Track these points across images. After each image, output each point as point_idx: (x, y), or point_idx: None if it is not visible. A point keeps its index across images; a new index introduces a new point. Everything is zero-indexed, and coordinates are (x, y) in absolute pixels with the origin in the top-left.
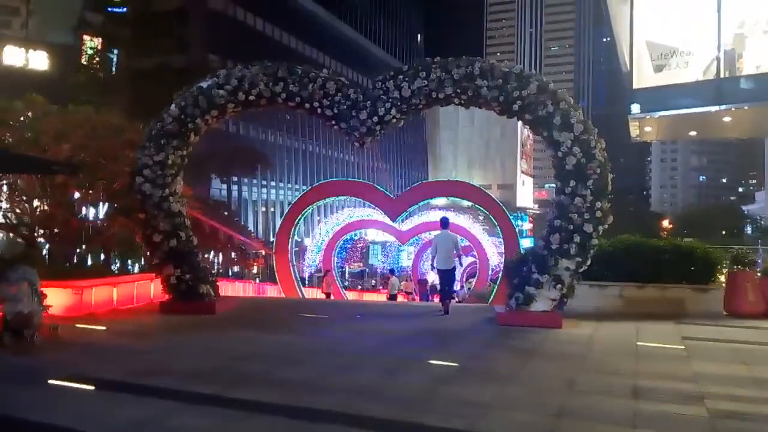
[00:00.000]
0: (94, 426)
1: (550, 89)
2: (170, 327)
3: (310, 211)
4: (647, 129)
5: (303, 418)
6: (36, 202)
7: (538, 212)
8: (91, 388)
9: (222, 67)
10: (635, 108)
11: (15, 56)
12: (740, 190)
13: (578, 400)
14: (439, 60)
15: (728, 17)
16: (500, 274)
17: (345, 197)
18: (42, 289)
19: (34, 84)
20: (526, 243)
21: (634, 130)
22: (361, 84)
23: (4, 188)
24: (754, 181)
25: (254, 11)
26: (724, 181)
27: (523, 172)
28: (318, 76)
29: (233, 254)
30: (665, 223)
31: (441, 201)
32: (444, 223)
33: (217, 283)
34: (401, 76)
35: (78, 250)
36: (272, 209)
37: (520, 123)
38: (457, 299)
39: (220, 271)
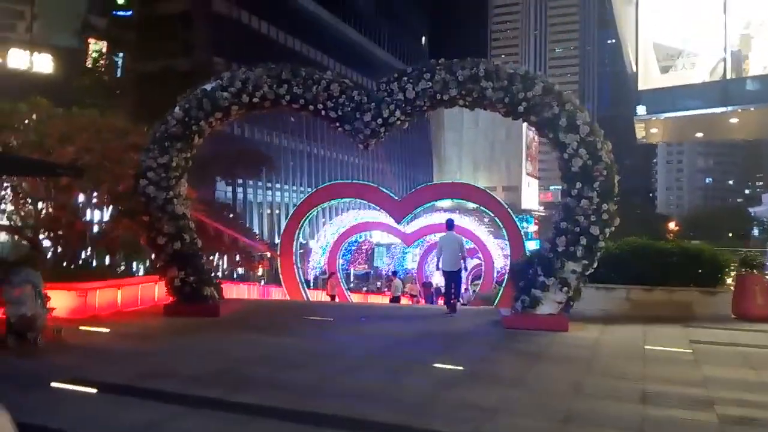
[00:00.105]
0: (97, 430)
1: (556, 90)
2: (174, 329)
3: (314, 213)
4: (653, 130)
5: (307, 423)
6: (40, 205)
7: (543, 214)
8: (94, 391)
9: (227, 70)
10: (641, 109)
11: (19, 59)
12: (747, 192)
13: (585, 404)
14: (443, 61)
15: (734, 18)
16: (506, 277)
17: (350, 199)
18: (46, 291)
19: (39, 87)
20: (532, 245)
21: (640, 132)
22: (365, 86)
23: (8, 190)
24: (761, 183)
25: (258, 14)
26: (731, 183)
27: (528, 174)
28: (322, 78)
29: (238, 256)
30: (671, 225)
31: (446, 203)
32: (449, 224)
33: (222, 286)
34: (405, 78)
35: (83, 253)
36: (277, 211)
37: (525, 125)
38: (462, 302)
39: (225, 273)
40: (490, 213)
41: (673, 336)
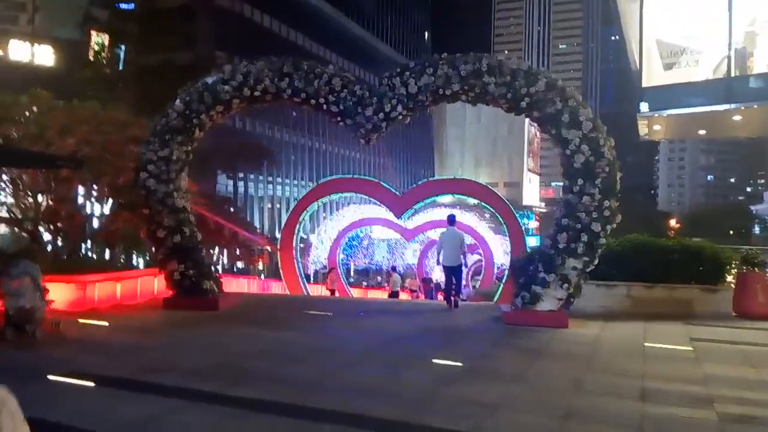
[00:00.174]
0: (95, 423)
1: (559, 86)
2: (173, 323)
3: (315, 207)
4: (656, 127)
5: (306, 418)
6: (40, 197)
7: (544, 210)
8: (93, 384)
9: (229, 63)
10: (644, 106)
11: (21, 51)
12: (748, 189)
13: (585, 401)
14: (446, 56)
15: (739, 15)
16: (506, 273)
17: (350, 194)
18: (45, 284)
19: (41, 79)
20: (532, 241)
21: (642, 129)
22: (367, 80)
23: (8, 183)
24: (763, 181)
25: (261, 8)
26: (732, 180)
27: (529, 170)
28: (324, 72)
29: (238, 250)
30: (672, 223)
31: (447, 198)
32: (451, 220)
33: (221, 279)
34: (408, 73)
35: (83, 245)
36: (278, 205)
37: (527, 120)
38: (462, 297)
39: (225, 267)
40: (491, 209)
41: (673, 333)
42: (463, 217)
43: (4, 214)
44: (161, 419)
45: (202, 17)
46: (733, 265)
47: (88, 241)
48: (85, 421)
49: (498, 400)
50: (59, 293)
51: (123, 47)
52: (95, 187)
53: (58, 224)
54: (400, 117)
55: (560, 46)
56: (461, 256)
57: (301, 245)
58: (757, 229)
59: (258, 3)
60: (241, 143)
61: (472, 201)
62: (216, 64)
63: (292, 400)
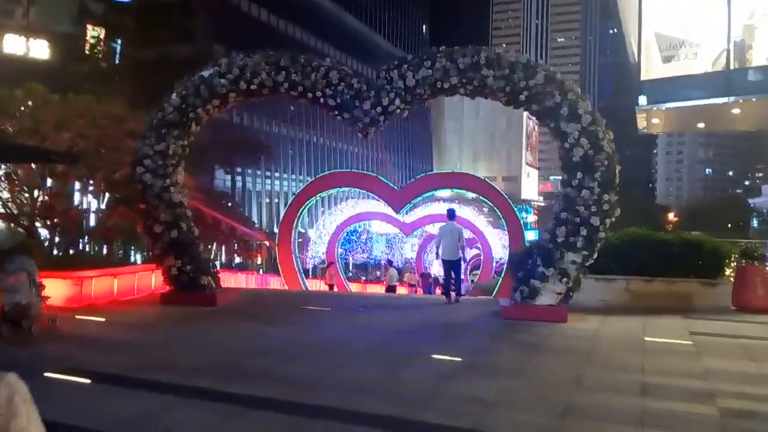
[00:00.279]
0: (89, 421)
1: (558, 79)
2: (171, 319)
3: (313, 202)
4: (655, 121)
5: (303, 415)
6: (36, 192)
7: (542, 204)
8: (88, 381)
9: (226, 57)
10: (643, 100)
11: (15, 45)
12: (746, 183)
13: (585, 397)
14: (444, 49)
15: (738, 8)
16: (504, 267)
17: (349, 188)
18: (41, 279)
19: (36, 73)
20: (531, 235)
21: (641, 122)
22: (364, 74)
23: (3, 177)
24: (761, 174)
25: (258, 1)
26: (731, 173)
27: (528, 164)
28: (321, 65)
29: (236, 245)
30: (671, 216)
31: (445, 193)
32: (450, 214)
33: (219, 275)
34: (406, 66)
35: (80, 241)
36: (276, 200)
37: (525, 114)
38: (461, 293)
39: (223, 262)
40: (489, 203)
41: (673, 327)
42: (462, 211)
43: (0, 209)
44: (156, 417)
45: (199, 11)
46: (733, 259)
47: (85, 237)
48: (80, 418)
49: (497, 396)
50: (56, 289)
51: (119, 41)
52: (91, 182)
53: (55, 219)
54: (398, 110)
55: (558, 40)
56: (460, 251)
57: (299, 240)
58: (755, 223)
59: None
60: (238, 137)
61: (471, 195)
62: (213, 58)
63: (290, 397)
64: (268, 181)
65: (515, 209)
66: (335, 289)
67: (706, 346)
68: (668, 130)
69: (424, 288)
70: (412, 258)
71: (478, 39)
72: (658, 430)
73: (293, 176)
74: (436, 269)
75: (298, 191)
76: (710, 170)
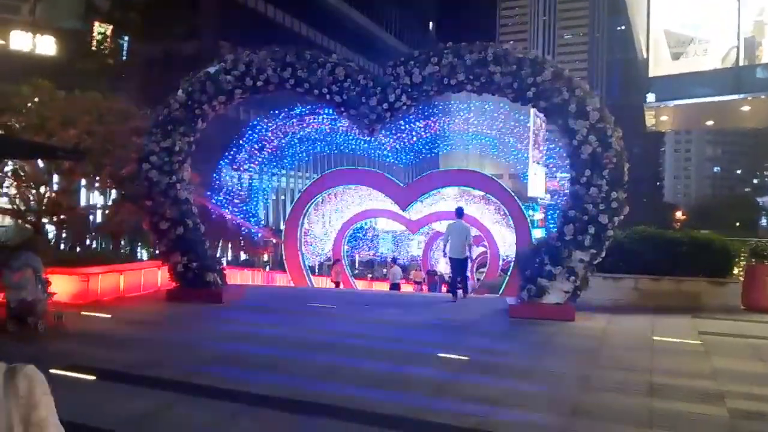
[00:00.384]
0: (92, 419)
1: (566, 76)
2: (176, 315)
3: (320, 199)
4: (663, 118)
5: (307, 413)
6: (43, 189)
7: (550, 202)
8: (93, 378)
9: (232, 53)
10: (651, 97)
11: (22, 41)
12: (755, 181)
13: (593, 397)
14: (451, 46)
15: (748, 4)
16: (511, 265)
17: (355, 186)
18: (48, 276)
19: (43, 69)
20: (538, 233)
21: (649, 119)
22: (371, 70)
23: (10, 173)
24: None
25: None
26: (739, 172)
27: (535, 161)
28: (327, 61)
29: (242, 242)
30: (678, 214)
31: (452, 190)
32: (459, 212)
33: (225, 272)
34: (412, 62)
35: (87, 238)
36: (282, 197)
37: (533, 111)
38: (469, 291)
39: (229, 259)
40: (496, 200)
41: (681, 327)
42: (468, 208)
43: (7, 205)
44: (159, 415)
45: (206, 7)
46: (742, 258)
47: (92, 233)
48: (84, 415)
49: (504, 395)
50: (62, 285)
51: (126, 37)
52: (97, 178)
53: (61, 216)
54: (405, 107)
55: (566, 37)
56: (467, 249)
57: (305, 237)
58: (764, 221)
59: None
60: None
61: (478, 192)
62: (219, 54)
63: (294, 395)
64: (275, 177)
65: (522, 207)
66: (341, 286)
67: (715, 345)
68: (676, 127)
69: (430, 285)
70: (418, 255)
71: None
72: (666, 431)
73: (300, 173)
74: (443, 267)
75: (304, 188)
76: (718, 168)
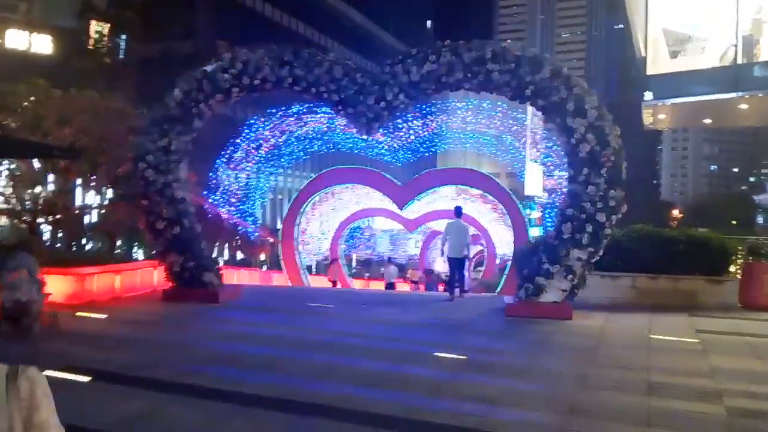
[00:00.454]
0: (86, 420)
1: (564, 74)
2: (172, 316)
3: (317, 198)
4: (661, 116)
5: (302, 413)
6: (38, 188)
7: (547, 201)
8: (88, 379)
9: (229, 52)
10: (649, 95)
11: (18, 40)
12: (751, 179)
13: (590, 395)
14: (449, 43)
15: (746, 2)
16: (508, 264)
17: (352, 185)
18: (43, 276)
19: (39, 68)
20: (535, 232)
21: (647, 118)
22: (368, 69)
23: (4, 173)
24: (766, 171)
25: None
26: (735, 170)
27: (532, 159)
28: (324, 60)
29: (239, 241)
30: (675, 213)
31: (449, 189)
32: (458, 212)
33: (221, 271)
34: (410, 60)
35: (83, 237)
36: (279, 196)
37: (530, 110)
38: (465, 289)
39: (226, 259)
40: (494, 199)
41: (678, 325)
42: (465, 207)
43: (3, 205)
44: (153, 415)
45: (202, 6)
46: (739, 256)
47: (87, 233)
48: (79, 417)
49: (501, 395)
50: (57, 286)
51: (123, 36)
52: (93, 178)
53: (57, 216)
54: (402, 106)
55: (563, 35)
56: (465, 249)
57: (302, 236)
58: (761, 219)
59: None
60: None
61: (475, 191)
62: (216, 53)
63: (290, 396)
64: (272, 177)
65: (519, 205)
66: (338, 285)
67: (713, 344)
68: (674, 125)
69: (427, 285)
70: (415, 254)
71: (483, 34)
72: (664, 430)
73: (297, 172)
74: (440, 266)
75: (301, 187)
76: (715, 167)
